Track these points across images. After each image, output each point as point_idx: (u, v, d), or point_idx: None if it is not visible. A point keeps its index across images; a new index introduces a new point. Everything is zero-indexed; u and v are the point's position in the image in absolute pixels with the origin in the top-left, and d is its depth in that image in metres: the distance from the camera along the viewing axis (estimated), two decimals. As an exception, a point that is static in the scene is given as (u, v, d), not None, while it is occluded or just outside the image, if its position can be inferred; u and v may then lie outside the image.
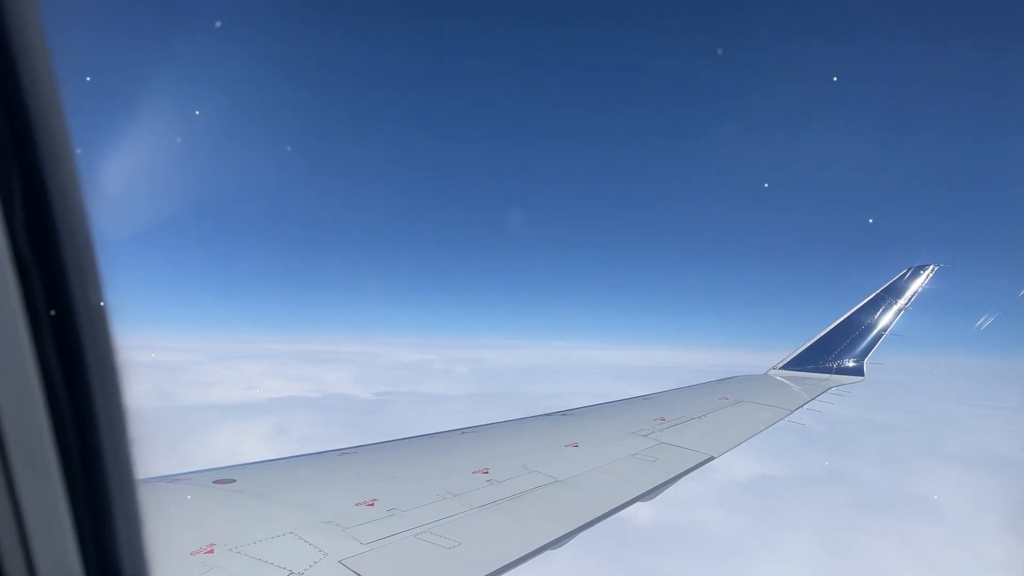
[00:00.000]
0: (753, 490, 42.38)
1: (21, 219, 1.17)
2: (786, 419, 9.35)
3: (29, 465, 1.21)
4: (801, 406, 10.02)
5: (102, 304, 1.34)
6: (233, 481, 4.92)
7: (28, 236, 1.18)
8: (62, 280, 1.26)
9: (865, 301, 13.48)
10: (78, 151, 1.27)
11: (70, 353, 1.29)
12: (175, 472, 5.15)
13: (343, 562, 3.82)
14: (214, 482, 4.89)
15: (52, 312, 1.25)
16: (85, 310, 1.30)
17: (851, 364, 12.47)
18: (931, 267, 13.44)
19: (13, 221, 1.15)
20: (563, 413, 8.87)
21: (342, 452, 6.20)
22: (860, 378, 12.16)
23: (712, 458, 7.10)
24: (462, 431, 7.39)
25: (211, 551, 3.69)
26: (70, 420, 1.29)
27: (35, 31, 1.16)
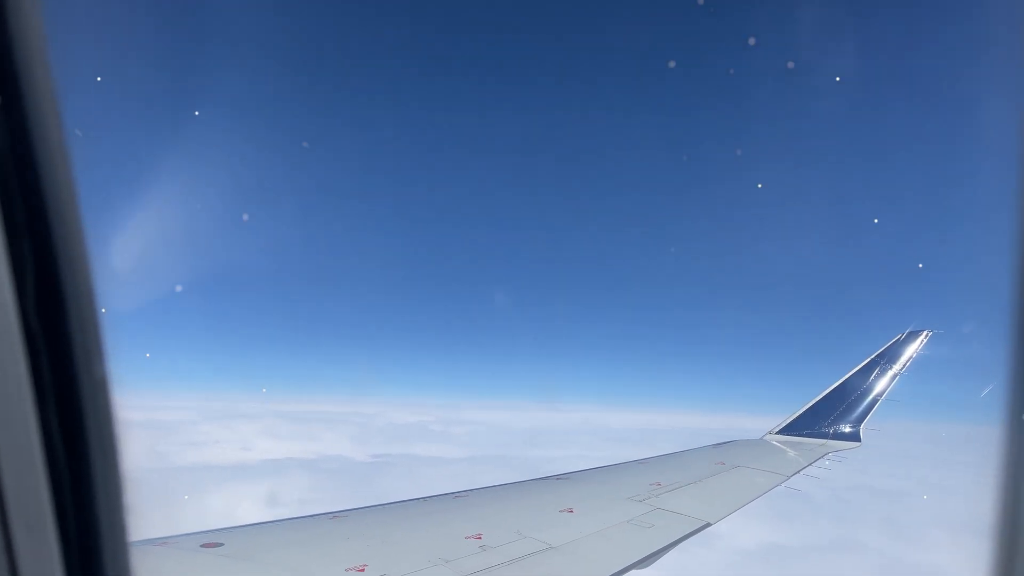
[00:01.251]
0: (762, 559, 41.12)
1: (32, 292, 1.24)
2: (783, 485, 9.28)
3: (26, 527, 1.26)
4: (798, 472, 9.95)
5: (105, 376, 1.40)
6: (221, 545, 4.86)
7: (37, 309, 1.26)
8: (67, 350, 1.32)
9: (860, 366, 13.46)
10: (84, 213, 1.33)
11: (72, 419, 1.34)
12: (162, 535, 5.08)
13: None
14: (201, 546, 4.83)
15: (57, 384, 1.30)
16: (89, 380, 1.37)
17: (847, 429, 12.39)
18: (925, 332, 13.47)
19: (24, 293, 1.23)
20: (558, 477, 8.81)
21: (333, 515, 6.14)
22: (857, 444, 12.06)
23: (709, 524, 7.03)
24: (455, 495, 7.33)
25: None
26: (68, 485, 1.34)
27: (46, 93, 1.24)
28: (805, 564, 40.68)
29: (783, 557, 41.48)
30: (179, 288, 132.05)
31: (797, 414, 13.28)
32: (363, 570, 4.63)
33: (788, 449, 11.89)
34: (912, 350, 13.26)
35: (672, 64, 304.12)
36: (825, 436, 12.42)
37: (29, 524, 1.27)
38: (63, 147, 1.29)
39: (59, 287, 1.31)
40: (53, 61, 1.26)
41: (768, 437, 12.99)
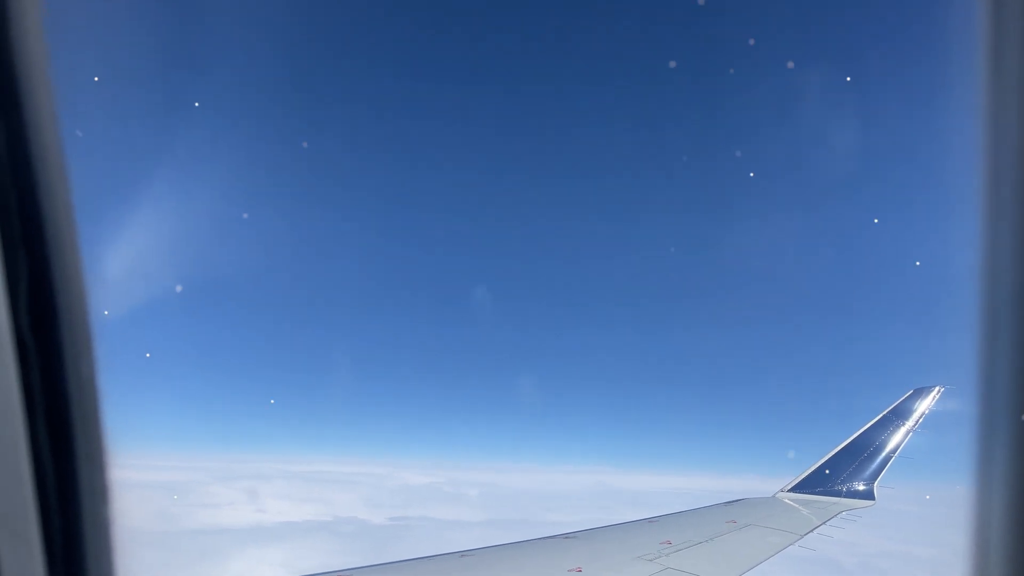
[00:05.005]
0: None
1: (24, 302, 1.32)
2: (797, 544, 9.13)
3: (12, 534, 1.32)
4: (812, 530, 9.77)
5: (94, 383, 1.47)
6: None
7: (29, 318, 1.33)
8: (57, 356, 1.39)
9: (871, 423, 13.31)
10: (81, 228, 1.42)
11: (60, 430, 1.40)
12: None
13: None
14: None
15: (46, 391, 1.37)
16: (78, 390, 1.43)
17: (861, 487, 12.16)
18: (936, 388, 13.37)
19: (17, 303, 1.30)
20: (566, 536, 8.70)
21: (338, 574, 6.14)
22: (871, 502, 11.81)
23: None
24: (461, 554, 7.27)
25: None
26: (54, 496, 1.39)
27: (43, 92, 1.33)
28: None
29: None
30: (180, 344, 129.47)
31: (809, 472, 13.07)
32: None
33: (801, 507, 11.67)
34: (924, 406, 13.14)
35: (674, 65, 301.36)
36: (838, 494, 12.20)
37: (14, 529, 1.31)
38: (59, 151, 1.37)
39: (54, 303, 1.38)
40: (52, 61, 1.34)
41: (780, 495, 12.77)
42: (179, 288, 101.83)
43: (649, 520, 9.94)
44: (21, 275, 1.31)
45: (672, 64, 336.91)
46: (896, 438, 12.88)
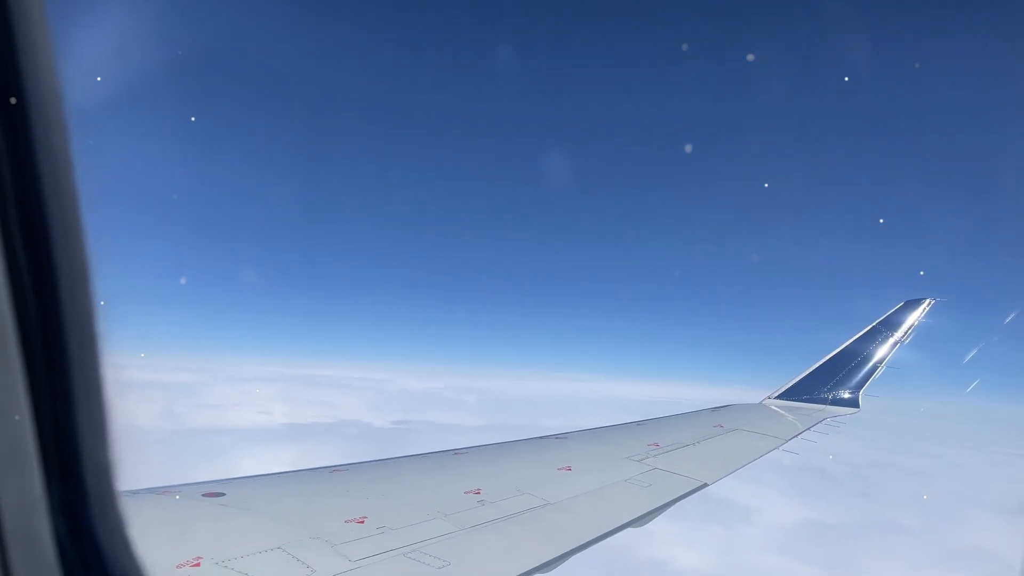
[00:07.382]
0: (807, 537, 40.52)
1: (15, 217, 1.22)
2: (780, 448, 9.39)
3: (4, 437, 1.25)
4: (796, 436, 10.01)
5: (89, 292, 1.36)
6: (223, 495, 4.95)
7: (22, 234, 1.23)
8: (50, 268, 1.29)
9: (861, 333, 13.48)
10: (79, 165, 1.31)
11: (52, 335, 1.31)
12: (163, 485, 5.11)
13: None
14: (203, 495, 4.92)
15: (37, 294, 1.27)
16: (71, 301, 1.33)
17: (846, 395, 12.42)
18: (927, 301, 13.43)
19: (7, 215, 1.21)
20: (556, 436, 8.93)
21: (333, 469, 6.26)
22: (855, 410, 12.07)
23: (706, 485, 7.15)
24: (454, 452, 7.47)
25: (198, 564, 3.71)
26: (46, 390, 1.31)
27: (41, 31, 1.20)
28: (857, 542, 40.30)
29: (827, 534, 40.93)
30: (185, 248, 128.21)
31: (796, 380, 13.32)
32: (363, 522, 4.71)
33: (786, 414, 11.95)
34: (914, 318, 13.24)
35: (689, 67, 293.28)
36: (824, 402, 12.47)
37: (11, 457, 1.26)
38: (66, 149, 1.28)
39: (44, 213, 1.27)
40: (59, 61, 1.23)
41: (767, 402, 13.06)
42: (186, 192, 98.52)
43: (638, 423, 10.14)
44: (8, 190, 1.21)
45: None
46: (884, 349, 13.06)
